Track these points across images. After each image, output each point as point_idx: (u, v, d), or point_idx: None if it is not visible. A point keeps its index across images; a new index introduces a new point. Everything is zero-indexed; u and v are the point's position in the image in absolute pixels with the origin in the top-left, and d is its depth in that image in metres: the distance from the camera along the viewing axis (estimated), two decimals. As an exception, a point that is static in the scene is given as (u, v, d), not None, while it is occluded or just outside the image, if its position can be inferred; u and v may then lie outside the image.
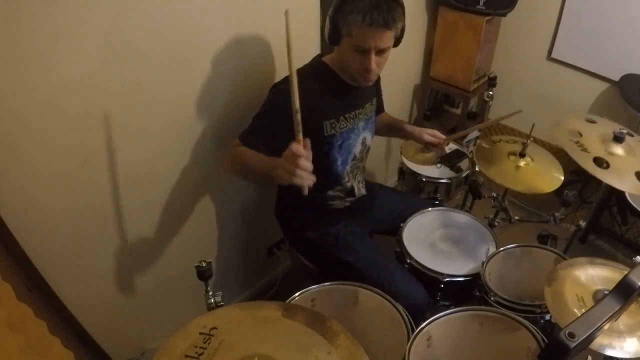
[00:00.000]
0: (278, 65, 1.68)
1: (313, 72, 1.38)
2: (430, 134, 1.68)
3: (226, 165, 1.38)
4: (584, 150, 1.34)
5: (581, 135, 1.39)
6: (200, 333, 0.89)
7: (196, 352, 0.85)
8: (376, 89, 1.61)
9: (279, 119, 1.24)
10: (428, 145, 1.70)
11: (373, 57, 1.26)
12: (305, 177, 1.00)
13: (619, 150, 1.36)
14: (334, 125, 1.39)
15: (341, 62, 1.36)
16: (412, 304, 1.27)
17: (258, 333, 0.90)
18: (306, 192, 1.01)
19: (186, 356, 0.85)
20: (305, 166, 0.99)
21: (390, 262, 1.51)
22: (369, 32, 1.21)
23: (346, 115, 1.43)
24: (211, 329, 0.90)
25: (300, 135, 0.99)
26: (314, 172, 1.07)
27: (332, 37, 1.28)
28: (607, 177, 1.28)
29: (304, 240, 1.61)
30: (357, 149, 1.52)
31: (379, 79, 1.59)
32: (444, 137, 1.68)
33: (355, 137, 1.50)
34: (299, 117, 0.98)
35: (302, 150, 0.98)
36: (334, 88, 1.39)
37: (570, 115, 1.50)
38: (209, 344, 0.87)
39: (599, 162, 1.31)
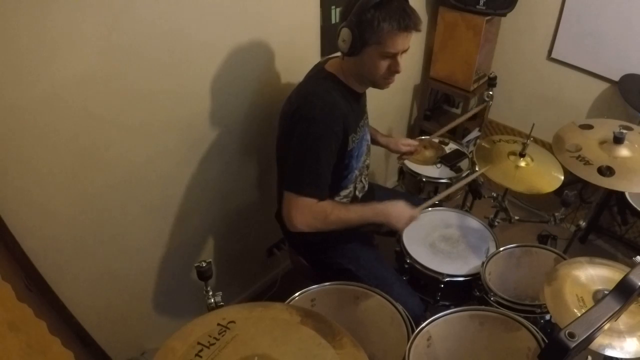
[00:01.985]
0: (278, 64, 1.68)
1: (331, 87, 1.33)
2: (406, 144, 1.82)
3: (307, 224, 1.30)
4: (587, 163, 1.33)
5: (581, 148, 1.39)
6: (218, 324, 0.92)
7: (208, 342, 0.88)
8: None
9: (328, 151, 1.28)
10: (405, 155, 1.85)
11: (400, 60, 1.28)
12: None
13: (622, 151, 1.35)
14: (354, 138, 1.39)
15: (360, 70, 1.31)
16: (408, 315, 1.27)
17: (272, 335, 0.92)
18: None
19: (198, 343, 0.88)
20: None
21: (390, 273, 1.51)
22: (401, 37, 1.21)
23: (360, 125, 1.43)
24: (229, 322, 0.93)
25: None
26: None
27: (353, 49, 1.23)
28: (615, 184, 1.28)
29: (306, 244, 1.61)
30: (365, 154, 1.53)
31: None
32: (416, 143, 1.83)
33: (365, 142, 1.50)
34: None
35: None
36: (348, 99, 1.36)
37: (564, 128, 1.49)
38: (222, 336, 0.90)
39: (602, 171, 1.31)
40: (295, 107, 1.31)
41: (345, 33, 1.21)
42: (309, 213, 1.29)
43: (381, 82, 1.33)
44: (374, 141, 1.77)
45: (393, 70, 1.29)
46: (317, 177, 1.29)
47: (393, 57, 1.26)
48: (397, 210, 1.39)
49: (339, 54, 1.37)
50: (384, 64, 1.27)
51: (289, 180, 1.30)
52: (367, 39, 1.20)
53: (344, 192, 1.51)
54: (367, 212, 1.38)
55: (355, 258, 1.52)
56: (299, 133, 1.27)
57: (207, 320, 0.94)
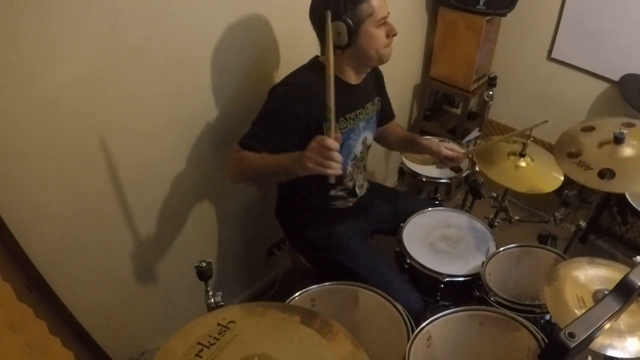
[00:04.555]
0: (278, 64, 1.68)
1: (314, 74, 1.35)
2: (449, 148, 1.60)
3: (231, 173, 1.32)
4: (587, 168, 1.33)
5: (581, 152, 1.38)
6: (218, 324, 0.92)
7: (208, 342, 0.88)
8: (379, 89, 1.61)
9: (280, 123, 1.28)
10: (445, 160, 1.60)
11: (391, 22, 1.32)
12: (335, 167, 1.07)
13: (624, 151, 1.35)
14: (342, 128, 1.39)
15: (363, 54, 1.33)
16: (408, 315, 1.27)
17: (272, 334, 0.92)
18: (332, 180, 1.10)
19: (199, 343, 0.88)
20: (337, 157, 1.06)
21: (390, 271, 1.51)
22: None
23: (346, 116, 1.43)
24: (229, 322, 0.92)
25: (333, 130, 1.07)
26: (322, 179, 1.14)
27: (351, 36, 1.25)
28: (617, 186, 1.28)
29: (305, 240, 1.61)
30: (358, 149, 1.52)
31: (382, 77, 1.61)
32: (462, 150, 1.61)
33: (356, 137, 1.50)
34: (332, 114, 1.07)
35: (334, 143, 1.05)
36: (338, 88, 1.37)
37: (565, 133, 1.49)
38: (222, 336, 0.90)
39: (603, 174, 1.31)
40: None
41: (337, 27, 1.24)
42: (232, 161, 1.30)
43: (385, 53, 1.36)
44: (417, 145, 1.66)
45: (392, 34, 1.33)
46: (256, 135, 1.28)
47: (384, 22, 1.30)
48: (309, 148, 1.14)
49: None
50: (382, 33, 1.31)
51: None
52: (360, 17, 1.24)
53: (333, 193, 1.53)
54: (282, 157, 1.22)
55: (355, 256, 1.52)
56: (263, 104, 1.33)
57: (207, 320, 0.94)
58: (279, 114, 1.29)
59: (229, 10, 1.43)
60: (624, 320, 1.00)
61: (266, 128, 1.29)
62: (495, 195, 1.90)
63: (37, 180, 1.19)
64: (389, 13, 1.31)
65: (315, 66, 1.39)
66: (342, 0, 1.21)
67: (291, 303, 1.25)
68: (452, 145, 1.66)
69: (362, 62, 1.37)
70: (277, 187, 1.63)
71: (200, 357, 0.85)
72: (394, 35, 1.33)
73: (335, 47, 1.26)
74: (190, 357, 0.85)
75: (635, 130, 1.39)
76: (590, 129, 1.48)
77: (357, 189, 1.58)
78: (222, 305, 1.12)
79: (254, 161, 1.23)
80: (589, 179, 1.30)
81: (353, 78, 1.41)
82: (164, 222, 1.59)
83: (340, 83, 1.39)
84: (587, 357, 1.12)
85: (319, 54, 1.45)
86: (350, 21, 1.22)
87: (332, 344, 0.89)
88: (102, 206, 1.37)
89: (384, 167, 2.71)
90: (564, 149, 1.42)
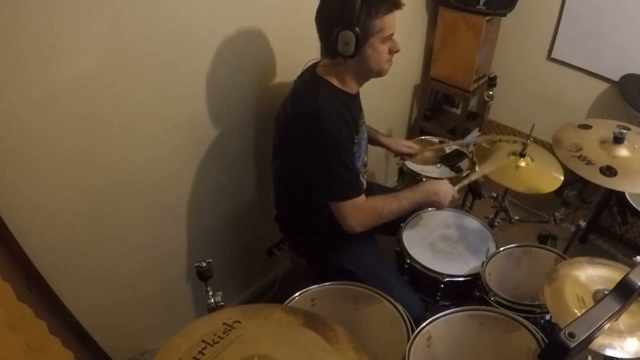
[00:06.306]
0: (280, 64, 1.68)
1: (330, 94, 1.34)
2: (407, 145, 1.86)
3: (367, 224, 1.38)
4: (589, 162, 1.33)
5: (582, 147, 1.39)
6: (224, 323, 0.93)
7: (212, 340, 0.89)
8: None
9: (349, 152, 1.34)
10: (404, 156, 1.89)
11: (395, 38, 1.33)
12: None
13: (622, 151, 1.35)
14: (356, 139, 1.40)
15: (365, 66, 1.32)
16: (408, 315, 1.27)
17: (276, 337, 0.92)
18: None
19: (203, 341, 0.89)
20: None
21: (390, 274, 1.51)
22: (393, 16, 1.27)
23: (359, 125, 1.44)
24: (235, 322, 0.93)
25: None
26: None
27: (357, 47, 1.23)
28: (618, 184, 1.28)
29: (305, 243, 1.61)
30: (364, 152, 1.53)
31: None
32: (417, 146, 1.90)
33: (364, 141, 1.51)
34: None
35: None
36: (345, 102, 1.37)
37: (563, 128, 1.49)
38: (227, 335, 0.90)
39: (604, 171, 1.31)
40: (300, 121, 1.33)
41: (346, 36, 1.22)
42: (361, 214, 1.36)
43: (385, 68, 1.36)
44: (375, 141, 1.78)
45: (394, 51, 1.34)
46: (350, 179, 1.35)
47: (390, 38, 1.31)
48: (444, 187, 1.50)
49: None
50: (386, 49, 1.32)
51: (327, 193, 1.35)
52: (370, 31, 1.24)
53: None
54: (417, 195, 1.45)
55: (355, 259, 1.52)
56: (317, 149, 1.30)
57: (213, 319, 0.94)
58: (342, 147, 1.31)
59: (230, 12, 1.43)
60: (623, 320, 1.00)
61: (349, 167, 1.33)
62: (495, 195, 1.90)
63: (37, 180, 1.19)
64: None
65: (322, 85, 1.35)
66: (356, 12, 1.19)
67: (291, 303, 1.25)
68: (410, 143, 1.90)
69: (362, 73, 1.37)
70: (275, 195, 1.63)
71: (203, 354, 0.86)
72: (396, 52, 1.34)
73: (340, 55, 1.26)
74: (194, 354, 0.86)
75: (632, 133, 1.40)
76: (587, 126, 1.48)
77: None
78: (222, 306, 1.12)
79: (393, 209, 1.40)
80: (591, 174, 1.31)
81: (353, 88, 1.40)
82: (164, 222, 1.59)
83: (346, 95, 1.38)
84: (587, 357, 1.12)
85: (315, 56, 1.44)
86: (360, 34, 1.21)
87: (336, 349, 0.89)
88: (102, 206, 1.37)
89: (384, 167, 2.71)
90: (562, 143, 1.43)
